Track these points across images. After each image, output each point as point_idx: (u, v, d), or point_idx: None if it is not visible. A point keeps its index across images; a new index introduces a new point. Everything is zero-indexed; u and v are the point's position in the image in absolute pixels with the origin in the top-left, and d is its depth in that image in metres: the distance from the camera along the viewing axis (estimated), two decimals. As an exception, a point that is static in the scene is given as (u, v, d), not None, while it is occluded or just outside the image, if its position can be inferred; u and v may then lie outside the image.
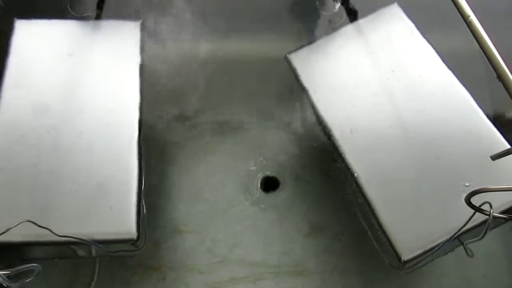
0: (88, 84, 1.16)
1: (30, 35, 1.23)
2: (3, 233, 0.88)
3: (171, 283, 1.22)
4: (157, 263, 1.24)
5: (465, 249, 1.00)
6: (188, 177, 1.35)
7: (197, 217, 1.30)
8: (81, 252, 1.07)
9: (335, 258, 1.26)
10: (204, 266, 1.24)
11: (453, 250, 1.12)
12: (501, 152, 0.72)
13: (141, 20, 1.29)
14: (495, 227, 1.06)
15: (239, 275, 1.23)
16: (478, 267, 1.23)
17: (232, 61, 1.55)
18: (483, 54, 0.78)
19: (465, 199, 0.80)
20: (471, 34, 0.75)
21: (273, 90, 1.50)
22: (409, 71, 1.21)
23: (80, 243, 0.97)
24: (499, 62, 0.69)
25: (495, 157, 0.72)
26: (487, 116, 1.12)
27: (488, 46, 0.71)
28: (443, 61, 1.20)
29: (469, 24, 0.75)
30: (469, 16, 0.75)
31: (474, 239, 0.93)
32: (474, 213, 0.84)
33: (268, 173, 1.37)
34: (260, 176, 1.37)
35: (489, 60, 0.70)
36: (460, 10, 0.76)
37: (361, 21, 1.31)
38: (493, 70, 0.70)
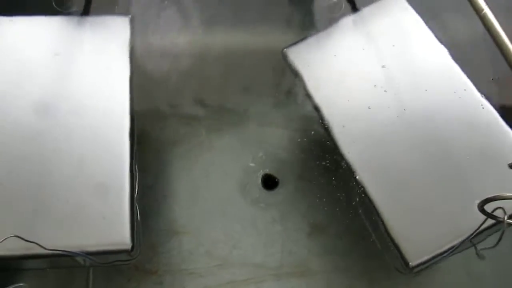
0: (75, 85, 1.11)
1: (12, 33, 1.17)
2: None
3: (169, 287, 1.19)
4: (154, 267, 1.21)
5: (476, 253, 0.97)
6: (184, 176, 1.33)
7: (195, 218, 1.27)
8: (73, 262, 1.04)
9: (338, 258, 1.24)
10: (203, 269, 1.21)
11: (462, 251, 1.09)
12: (520, 160, 0.68)
13: (130, 15, 1.23)
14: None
15: (239, 277, 1.21)
16: (485, 263, 1.20)
17: (228, 55, 1.51)
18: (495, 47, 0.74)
19: (478, 206, 0.77)
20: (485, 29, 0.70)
21: (272, 85, 1.46)
22: (414, 64, 1.16)
23: (70, 255, 0.93)
24: (517, 60, 0.64)
25: (513, 165, 0.69)
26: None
27: (504, 42, 0.66)
28: (450, 53, 1.15)
29: (482, 19, 0.70)
30: (482, 10, 0.70)
31: (487, 247, 0.90)
32: (486, 219, 0.81)
33: (268, 170, 1.35)
34: (259, 174, 1.35)
35: (505, 57, 0.65)
36: (473, 4, 0.71)
37: (361, 12, 1.25)
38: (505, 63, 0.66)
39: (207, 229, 1.26)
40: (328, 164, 1.32)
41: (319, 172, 1.34)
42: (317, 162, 1.34)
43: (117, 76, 1.14)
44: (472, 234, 0.87)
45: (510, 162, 0.70)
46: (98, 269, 1.18)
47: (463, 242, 0.91)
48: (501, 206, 0.79)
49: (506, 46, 0.64)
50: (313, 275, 1.22)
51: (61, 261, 1.06)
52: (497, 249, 1.21)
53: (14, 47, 1.15)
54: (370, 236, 1.20)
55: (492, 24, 0.68)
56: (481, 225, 0.83)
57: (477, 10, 0.70)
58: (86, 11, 1.26)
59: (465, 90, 1.10)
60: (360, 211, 1.23)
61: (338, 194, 1.29)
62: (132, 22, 1.23)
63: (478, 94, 1.09)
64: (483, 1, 0.70)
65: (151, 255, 1.22)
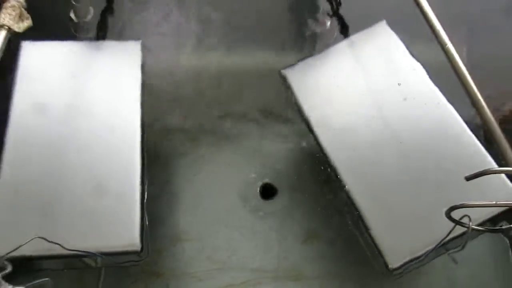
0: (91, 104, 1.21)
1: (34, 57, 1.28)
2: (14, 250, 0.93)
3: (173, 290, 1.26)
4: (160, 271, 1.28)
5: (452, 258, 1.05)
6: (188, 187, 1.40)
7: (197, 225, 1.34)
8: (88, 263, 1.12)
9: (331, 263, 1.30)
10: (203, 273, 1.28)
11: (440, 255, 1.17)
12: (476, 173, 0.77)
13: (141, 40, 1.34)
14: (476, 237, 1.11)
15: (238, 280, 1.27)
16: (466, 267, 1.28)
17: (228, 74, 1.59)
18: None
19: (445, 213, 0.85)
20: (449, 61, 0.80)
21: (270, 102, 1.54)
22: (397, 83, 1.26)
23: (88, 255, 1.02)
24: (474, 90, 0.73)
25: (469, 178, 0.77)
26: (471, 130, 1.16)
27: (464, 75, 0.75)
28: (430, 77, 1.23)
29: (446, 52, 0.80)
30: (446, 44, 0.79)
31: (456, 249, 0.98)
32: (455, 226, 0.90)
33: (266, 181, 1.41)
34: (258, 185, 1.41)
35: (464, 88, 0.75)
36: (438, 38, 0.81)
37: (352, 38, 1.36)
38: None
39: (208, 236, 1.32)
40: (321, 175, 1.38)
41: (314, 183, 1.41)
42: (312, 173, 1.42)
43: (129, 95, 1.24)
44: (443, 239, 0.95)
45: (466, 175, 0.78)
46: (108, 272, 1.23)
47: (436, 247, 0.99)
48: (468, 214, 0.88)
49: (465, 76, 0.74)
50: (307, 279, 1.28)
51: (76, 263, 1.14)
52: (476, 254, 1.29)
53: (36, 69, 1.26)
54: (359, 243, 1.26)
55: (453, 56, 0.78)
56: (450, 231, 0.91)
57: (442, 44, 0.80)
58: (101, 36, 1.35)
59: (445, 112, 1.19)
60: (349, 218, 1.30)
61: (330, 203, 1.36)
62: (143, 46, 1.33)
63: (455, 113, 1.18)
64: (446, 36, 0.80)
65: (157, 259, 1.28)
